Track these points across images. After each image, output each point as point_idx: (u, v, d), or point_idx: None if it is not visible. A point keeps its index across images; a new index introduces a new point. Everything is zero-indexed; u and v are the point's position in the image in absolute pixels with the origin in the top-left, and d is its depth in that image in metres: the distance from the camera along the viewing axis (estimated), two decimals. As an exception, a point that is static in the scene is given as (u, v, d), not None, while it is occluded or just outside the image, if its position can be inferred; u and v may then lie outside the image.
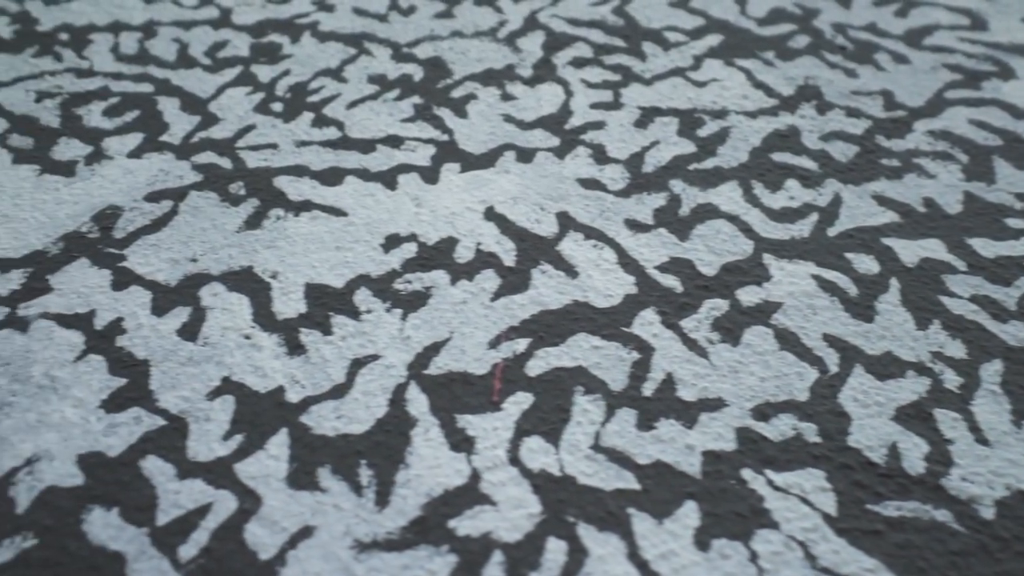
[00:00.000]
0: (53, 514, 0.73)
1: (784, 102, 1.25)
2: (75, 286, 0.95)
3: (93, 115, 1.23)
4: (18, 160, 1.15)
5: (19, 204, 1.07)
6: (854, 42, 1.38)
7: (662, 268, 0.98)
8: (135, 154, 1.16)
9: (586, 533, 0.72)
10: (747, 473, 0.76)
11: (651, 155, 1.15)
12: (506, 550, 0.70)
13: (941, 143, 1.16)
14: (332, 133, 1.20)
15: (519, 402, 0.83)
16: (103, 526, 0.72)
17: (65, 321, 0.91)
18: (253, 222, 1.05)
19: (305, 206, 1.07)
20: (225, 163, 1.14)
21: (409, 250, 1.00)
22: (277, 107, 1.25)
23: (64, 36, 1.42)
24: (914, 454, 0.77)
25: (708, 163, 1.14)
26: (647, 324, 0.91)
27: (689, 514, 0.73)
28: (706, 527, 0.72)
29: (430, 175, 1.12)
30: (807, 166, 1.12)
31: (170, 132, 1.20)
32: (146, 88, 1.29)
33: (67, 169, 1.13)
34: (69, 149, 1.17)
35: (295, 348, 0.89)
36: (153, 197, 1.08)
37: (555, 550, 0.70)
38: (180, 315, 0.92)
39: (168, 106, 1.25)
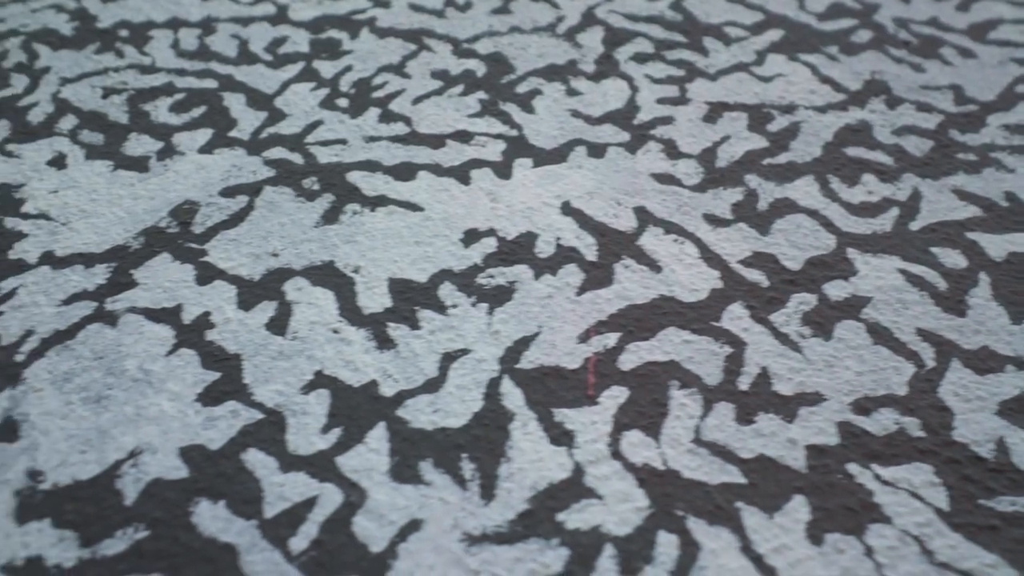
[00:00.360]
0: (161, 506, 0.73)
1: (852, 97, 1.24)
2: (159, 280, 0.96)
3: (160, 111, 1.23)
4: (91, 156, 1.15)
5: (96, 199, 1.07)
6: (917, 37, 1.37)
7: (746, 263, 0.97)
8: (206, 149, 1.16)
9: (696, 527, 0.71)
10: (853, 467, 0.75)
11: (723, 150, 1.15)
12: (617, 543, 0.70)
13: (1016, 137, 1.15)
14: (400, 128, 1.20)
15: (615, 396, 0.83)
16: (212, 518, 0.72)
17: (153, 315, 0.91)
18: (330, 217, 1.05)
19: (380, 201, 1.07)
20: (296, 158, 1.14)
21: (489, 245, 1.00)
22: (343, 103, 1.25)
23: (124, 33, 1.42)
24: (1022, 449, 0.76)
25: (781, 158, 1.13)
26: (736, 318, 0.90)
27: (799, 508, 0.72)
28: (817, 521, 0.71)
29: (503, 170, 1.12)
30: (882, 160, 1.12)
31: (239, 128, 1.20)
32: (210, 84, 1.29)
33: (140, 164, 1.13)
34: (140, 145, 1.17)
35: (384, 342, 0.88)
36: (228, 192, 1.09)
37: (667, 544, 0.70)
38: (266, 309, 0.92)
39: (234, 102, 1.25)
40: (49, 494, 0.74)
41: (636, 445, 0.78)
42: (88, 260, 0.98)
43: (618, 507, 0.73)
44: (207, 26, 1.44)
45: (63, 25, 1.45)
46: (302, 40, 1.40)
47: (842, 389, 0.82)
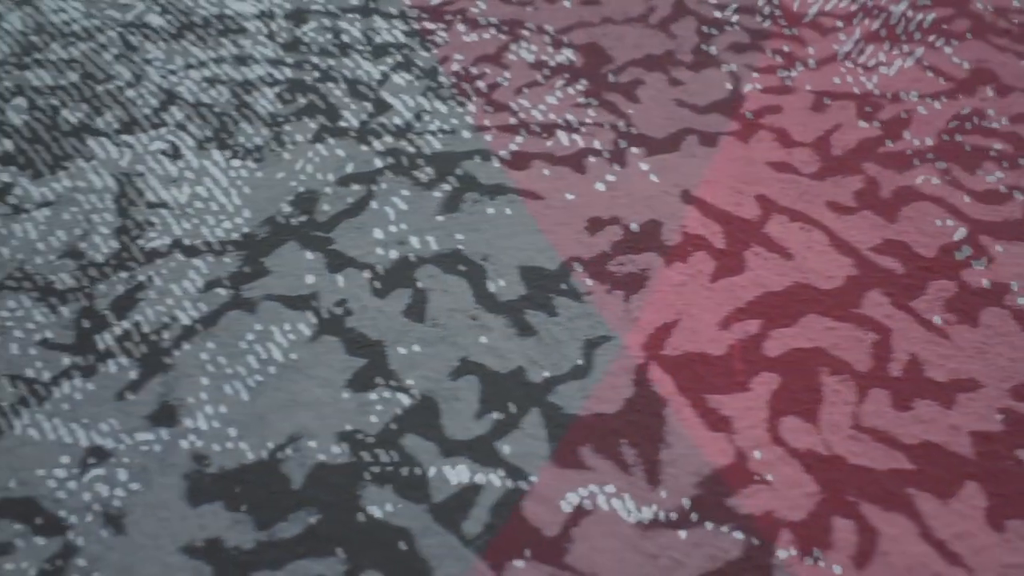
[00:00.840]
0: (329, 490, 0.73)
1: (960, 85, 1.23)
2: (291, 268, 0.96)
3: (266, 102, 1.24)
4: (203, 146, 1.15)
5: (215, 189, 1.08)
6: (1018, 25, 1.36)
7: (877, 250, 0.96)
8: (316, 139, 1.16)
9: (871, 512, 0.71)
10: (1023, 454, 0.75)
11: (836, 138, 1.14)
12: (793, 529, 0.70)
13: None
14: (506, 118, 1.19)
15: (766, 382, 0.82)
16: (381, 502, 0.72)
17: (291, 302, 0.91)
18: (451, 205, 1.05)
19: (498, 190, 1.07)
20: (408, 148, 1.14)
21: (614, 232, 1.00)
22: (445, 92, 1.25)
23: (218, 26, 1.43)
24: None
25: (897, 146, 1.12)
26: (876, 305, 0.90)
27: (973, 495, 0.71)
28: (996, 508, 0.70)
29: (617, 159, 1.11)
30: (1001, 148, 1.11)
31: (346, 118, 1.20)
32: (310, 75, 1.29)
33: (253, 154, 1.14)
34: (250, 135, 1.17)
35: (524, 329, 0.88)
36: (345, 181, 1.09)
37: (843, 529, 0.70)
38: (402, 297, 0.92)
39: (337, 92, 1.25)
40: (217, 477, 0.74)
41: (795, 431, 0.77)
42: (217, 248, 0.98)
43: (788, 492, 0.72)
44: (298, 18, 1.44)
45: (158, 19, 1.45)
46: (396, 31, 1.40)
47: (997, 375, 0.81)
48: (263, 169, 1.11)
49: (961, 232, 0.97)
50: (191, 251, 0.98)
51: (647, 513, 0.71)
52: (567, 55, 1.33)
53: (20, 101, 1.24)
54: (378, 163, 1.12)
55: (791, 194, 1.05)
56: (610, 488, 0.73)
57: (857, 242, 0.98)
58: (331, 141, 1.16)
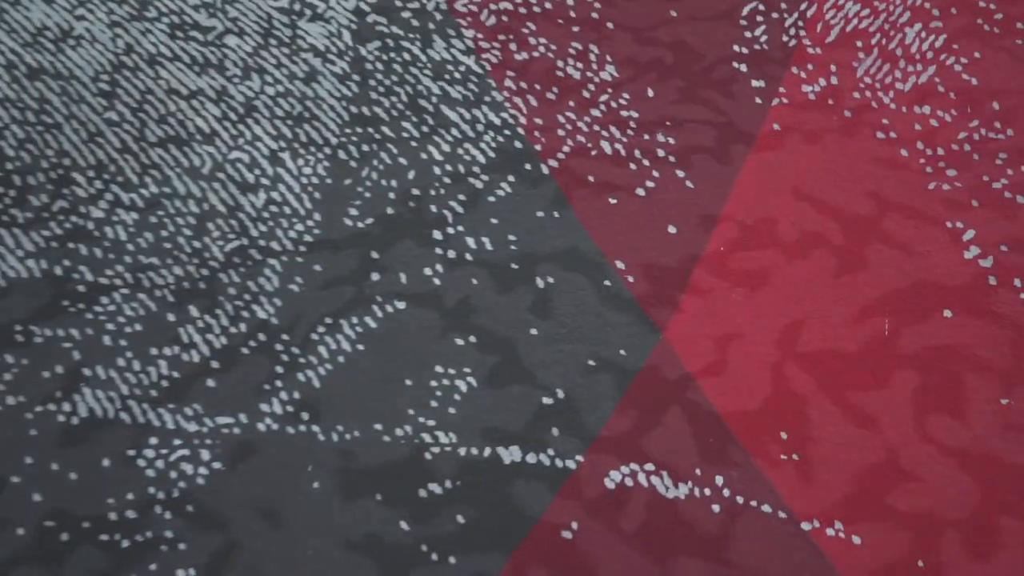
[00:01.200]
0: (479, 486, 0.73)
1: (1062, 80, 1.22)
2: (410, 265, 0.96)
3: (360, 103, 1.24)
4: (306, 146, 1.15)
5: (341, 188, 1.08)
6: (1112, 20, 1.35)
7: (1000, 245, 0.95)
8: (418, 139, 1.16)
9: (1034, 511, 0.70)
10: None
11: (942, 134, 1.13)
12: (957, 528, 0.69)
13: None
14: (605, 115, 1.19)
15: (905, 380, 0.81)
16: (532, 498, 0.72)
17: (414, 300, 0.91)
18: (561, 202, 1.04)
19: (606, 187, 1.07)
20: (511, 146, 1.14)
21: (730, 229, 0.99)
22: (538, 87, 1.24)
23: (282, 35, 1.43)
24: None
25: (1004, 142, 1.11)
26: (1007, 302, 0.89)
27: None
28: None
29: (722, 156, 1.11)
30: (1114, 144, 1.10)
31: (447, 117, 1.20)
32: (401, 71, 1.29)
33: (357, 154, 1.14)
34: (350, 136, 1.17)
35: (651, 326, 0.88)
36: (455, 180, 1.09)
37: (1011, 529, 0.69)
38: (525, 294, 0.92)
39: (434, 90, 1.25)
40: (365, 473, 0.74)
41: (944, 428, 0.76)
42: (333, 247, 0.99)
43: (945, 491, 0.71)
44: (364, 37, 1.45)
45: (234, 38, 1.46)
46: (479, 29, 1.40)
47: None
48: (368, 168, 1.11)
49: None
50: (309, 250, 0.98)
51: (802, 510, 0.70)
52: (656, 53, 1.33)
53: (111, 114, 1.25)
54: (484, 160, 1.11)
55: (904, 191, 1.04)
56: (762, 486, 0.73)
57: (979, 237, 0.97)
58: (435, 139, 1.16)
